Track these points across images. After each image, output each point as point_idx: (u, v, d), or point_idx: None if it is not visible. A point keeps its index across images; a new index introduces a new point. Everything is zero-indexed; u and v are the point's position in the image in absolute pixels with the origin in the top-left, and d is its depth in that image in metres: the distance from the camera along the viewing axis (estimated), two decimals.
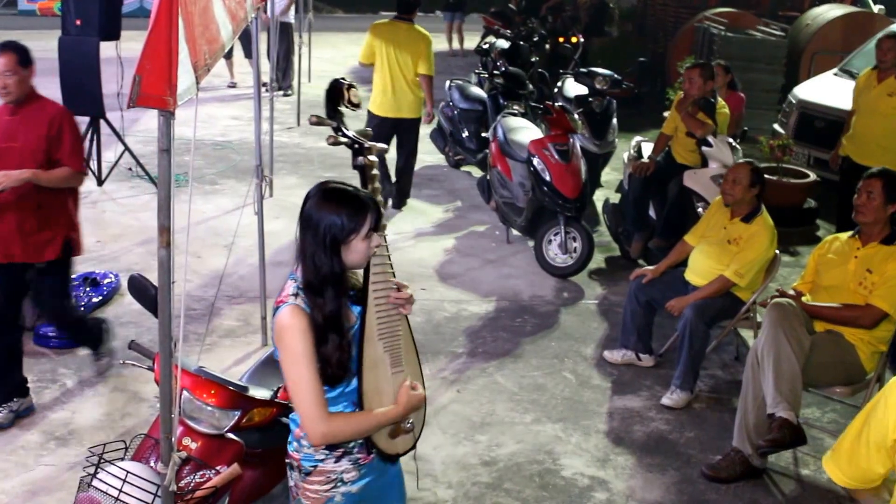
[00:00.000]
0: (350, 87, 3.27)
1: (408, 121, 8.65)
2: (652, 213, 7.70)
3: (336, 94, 3.24)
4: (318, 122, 3.30)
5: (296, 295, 2.82)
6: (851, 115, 7.80)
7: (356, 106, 3.27)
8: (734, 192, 5.75)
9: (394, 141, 8.62)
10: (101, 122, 8.93)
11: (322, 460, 2.93)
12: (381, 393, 2.95)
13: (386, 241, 3.03)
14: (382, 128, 8.31)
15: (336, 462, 2.94)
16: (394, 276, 3.06)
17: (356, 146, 3.12)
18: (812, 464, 5.17)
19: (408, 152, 8.92)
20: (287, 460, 3.02)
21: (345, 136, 3.20)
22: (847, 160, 7.86)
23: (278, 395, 3.69)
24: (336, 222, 2.78)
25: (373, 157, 3.13)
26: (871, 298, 4.91)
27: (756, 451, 4.92)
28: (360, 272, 3.00)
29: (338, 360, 2.82)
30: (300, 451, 2.95)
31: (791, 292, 5.18)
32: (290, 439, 3.01)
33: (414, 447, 3.13)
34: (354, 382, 2.90)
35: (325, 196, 2.83)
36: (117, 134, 9.02)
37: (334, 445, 2.92)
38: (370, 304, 2.94)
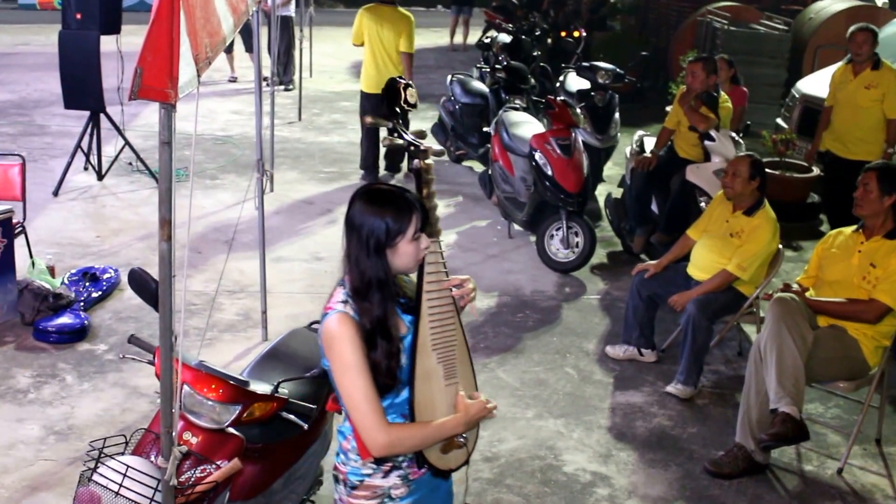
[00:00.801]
0: (407, 86, 3.19)
1: None
2: (654, 207, 7.68)
3: (393, 93, 3.17)
4: (374, 123, 3.24)
5: (345, 302, 2.74)
6: (829, 111, 7.81)
7: (413, 106, 3.20)
8: (734, 186, 5.73)
9: None
10: (102, 116, 8.92)
11: (369, 475, 2.82)
12: (434, 405, 2.84)
13: (441, 248, 2.94)
14: (370, 103, 9.12)
15: (384, 477, 2.83)
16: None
17: (412, 148, 3.04)
18: (815, 459, 5.15)
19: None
20: (333, 472, 2.93)
21: (401, 137, 3.12)
22: (829, 155, 7.89)
23: (279, 389, 3.67)
24: (380, 225, 2.71)
25: (429, 161, 3.05)
26: (874, 293, 4.89)
27: (759, 446, 4.90)
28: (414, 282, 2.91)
29: (387, 368, 2.72)
30: (346, 464, 2.86)
31: (795, 287, 5.16)
32: (336, 451, 2.92)
33: (467, 462, 3.02)
34: (404, 393, 2.80)
35: (369, 198, 2.76)
36: (117, 128, 9.01)
37: (382, 459, 2.80)
38: (423, 313, 2.84)
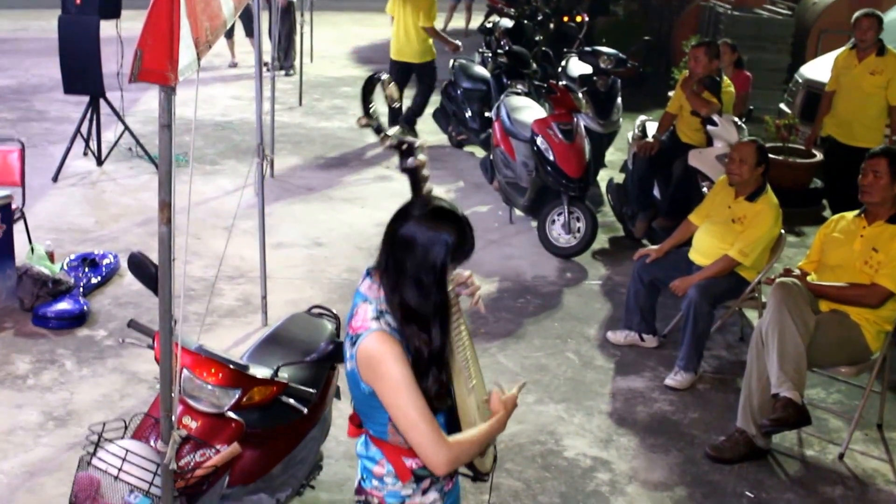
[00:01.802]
0: (387, 82, 3.14)
1: (416, 65, 10.17)
2: (657, 192, 7.65)
3: (370, 91, 3.13)
4: (369, 124, 3.15)
5: (377, 318, 2.56)
6: (830, 96, 7.76)
7: (394, 101, 3.15)
8: (741, 172, 5.69)
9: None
10: (101, 101, 8.88)
11: (409, 495, 2.71)
12: (468, 409, 2.77)
13: None
14: (394, 71, 9.89)
15: (423, 495, 2.72)
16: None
17: (405, 146, 2.98)
18: (817, 444, 5.14)
19: (419, 92, 10.39)
20: (361, 498, 2.78)
21: (388, 136, 3.06)
22: (830, 140, 7.86)
23: (279, 374, 3.66)
24: (447, 246, 2.54)
25: (423, 157, 2.99)
26: (876, 277, 4.87)
27: (760, 431, 4.89)
28: None
29: (437, 393, 2.59)
30: (382, 489, 2.72)
31: (796, 272, 5.15)
32: (362, 476, 2.78)
33: (495, 461, 2.99)
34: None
35: (435, 216, 2.57)
36: (117, 114, 8.97)
37: (422, 477, 2.70)
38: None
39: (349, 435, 2.82)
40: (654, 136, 7.85)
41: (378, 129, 3.02)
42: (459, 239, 2.58)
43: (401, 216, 2.60)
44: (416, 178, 2.89)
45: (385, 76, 3.13)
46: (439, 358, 2.59)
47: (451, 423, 2.69)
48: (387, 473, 2.71)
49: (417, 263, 2.53)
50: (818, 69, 9.53)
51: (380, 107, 3.02)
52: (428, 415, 2.54)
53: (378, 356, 2.52)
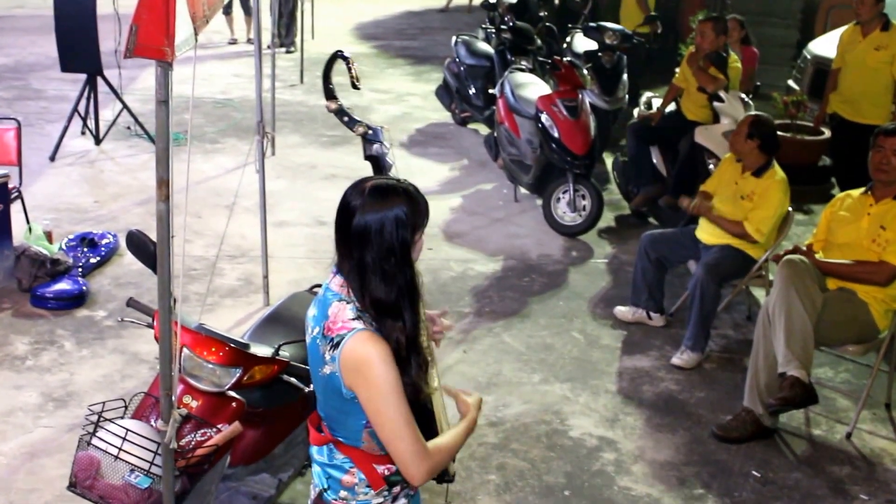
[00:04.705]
0: (352, 60, 3.06)
1: None
2: (661, 167, 7.59)
3: (330, 69, 3.06)
4: (338, 108, 3.09)
5: (358, 318, 2.42)
6: (836, 73, 7.67)
7: (358, 80, 3.08)
8: (734, 144, 5.75)
9: None
10: (99, 79, 8.80)
11: (381, 503, 2.59)
12: (437, 408, 2.68)
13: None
14: None
15: (394, 501, 2.61)
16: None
17: (370, 132, 2.92)
18: (824, 423, 5.09)
19: None
20: None
21: (353, 121, 3.00)
22: (836, 117, 7.77)
23: (280, 352, 3.61)
24: (402, 220, 2.41)
25: (388, 143, 2.93)
26: (884, 255, 4.82)
27: (767, 410, 4.85)
28: None
29: (415, 385, 2.47)
30: (353, 499, 2.58)
31: (804, 248, 5.09)
32: (328, 486, 2.62)
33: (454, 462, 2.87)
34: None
35: (377, 196, 2.43)
36: (115, 92, 8.89)
37: (394, 484, 2.58)
38: None
39: (313, 443, 2.66)
40: (658, 108, 7.81)
41: (343, 114, 2.96)
42: (411, 208, 2.45)
43: (344, 213, 2.46)
44: (379, 165, 2.83)
45: (349, 54, 3.06)
46: (415, 341, 2.48)
47: (424, 423, 2.55)
48: (358, 482, 2.57)
49: (378, 252, 2.41)
50: (827, 45, 9.41)
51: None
52: (413, 423, 2.42)
53: (367, 358, 2.37)
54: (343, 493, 2.59)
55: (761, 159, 5.65)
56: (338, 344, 2.40)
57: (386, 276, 2.42)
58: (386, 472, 2.56)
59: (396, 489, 2.60)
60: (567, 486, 4.48)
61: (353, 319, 2.41)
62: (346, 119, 3.10)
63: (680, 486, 4.53)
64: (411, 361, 2.46)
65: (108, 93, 8.95)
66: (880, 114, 7.25)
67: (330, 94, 3.27)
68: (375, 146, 2.83)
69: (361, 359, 2.38)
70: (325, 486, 2.62)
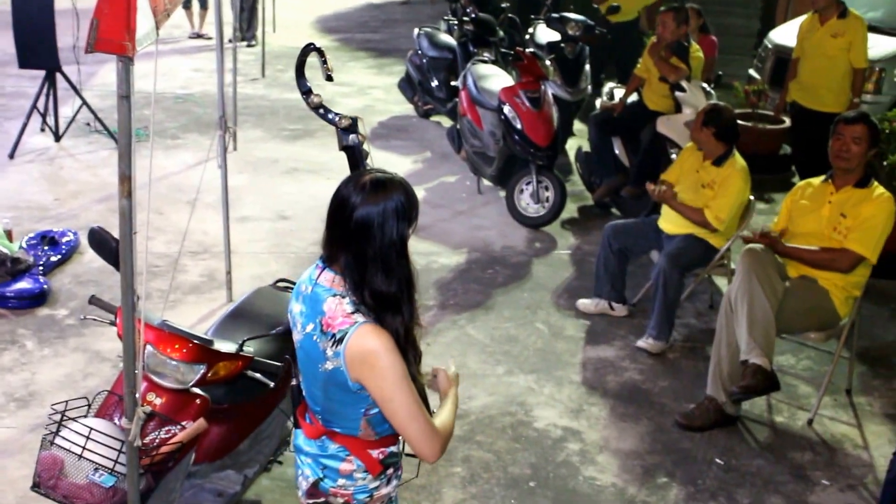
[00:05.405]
0: (323, 52, 3.06)
1: None
2: (619, 154, 7.63)
3: (304, 58, 3.05)
4: (319, 104, 3.06)
5: (357, 312, 2.46)
6: (796, 62, 7.74)
7: (330, 71, 3.06)
8: (693, 133, 5.83)
9: None
10: (58, 75, 8.69)
11: (377, 487, 2.67)
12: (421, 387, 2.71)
13: None
14: None
15: (387, 483, 2.70)
16: None
17: (345, 123, 2.90)
18: (786, 410, 5.15)
19: None
20: (319, 500, 2.69)
21: (335, 114, 2.99)
22: (796, 106, 7.84)
23: (244, 348, 3.60)
24: (402, 212, 2.46)
25: (364, 133, 2.92)
26: (846, 243, 4.86)
27: (730, 398, 4.89)
28: None
29: (415, 374, 2.55)
30: (351, 486, 2.65)
31: (774, 234, 5.08)
32: (324, 476, 2.67)
33: None
34: None
35: (378, 189, 2.47)
36: (74, 88, 8.78)
37: (388, 466, 2.68)
38: None
39: (307, 436, 2.69)
40: (620, 99, 7.84)
41: (320, 109, 2.96)
42: (408, 200, 2.50)
43: (342, 208, 2.48)
44: (355, 155, 2.84)
45: (321, 46, 3.06)
46: (410, 332, 2.55)
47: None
48: (356, 469, 2.64)
49: (379, 245, 2.45)
50: (787, 34, 9.50)
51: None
52: (422, 406, 2.50)
53: (375, 349, 2.42)
54: (341, 482, 2.66)
55: (720, 148, 5.70)
56: (341, 339, 2.44)
57: (387, 269, 2.46)
58: (381, 456, 2.66)
59: (389, 472, 2.69)
60: (532, 478, 4.50)
61: (353, 313, 2.46)
62: (325, 112, 3.08)
63: (644, 475, 4.57)
64: (408, 352, 2.52)
65: (68, 89, 8.83)
66: (839, 101, 7.32)
67: (305, 88, 3.26)
68: (351, 136, 2.84)
69: (369, 350, 2.42)
70: (321, 476, 2.67)
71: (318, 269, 2.58)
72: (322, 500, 2.68)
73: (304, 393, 2.71)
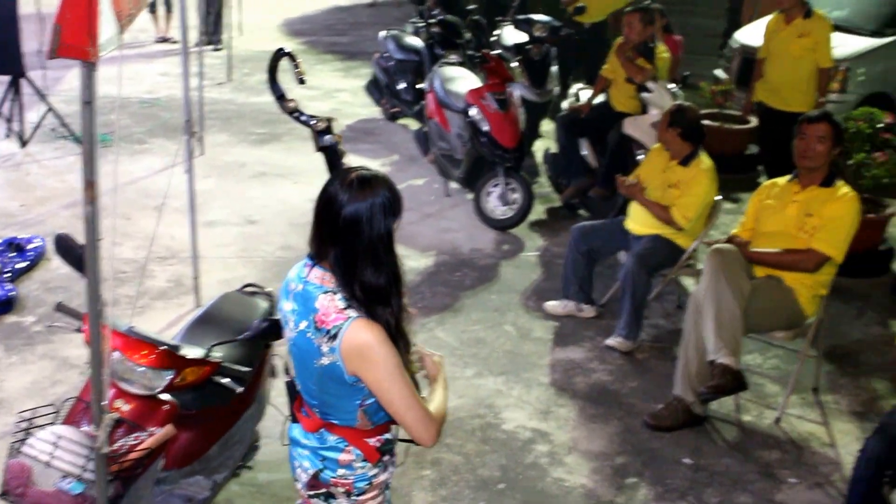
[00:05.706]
0: (295, 56, 3.07)
1: None
2: (590, 159, 7.66)
3: (275, 63, 3.06)
4: (295, 108, 3.08)
5: (349, 307, 2.53)
6: (762, 62, 7.81)
7: (303, 75, 3.08)
8: (659, 133, 5.88)
9: None
10: (23, 81, 8.60)
11: (376, 474, 2.75)
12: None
13: None
14: None
15: (384, 470, 2.79)
16: None
17: (321, 125, 2.92)
18: (753, 409, 5.20)
19: None
20: (320, 492, 2.75)
21: (310, 117, 3.00)
22: (763, 106, 7.89)
23: (211, 353, 3.59)
24: (389, 208, 2.55)
25: (339, 133, 2.94)
26: (812, 242, 4.89)
27: (698, 398, 4.91)
28: None
29: (406, 363, 2.62)
30: (351, 475, 2.72)
31: (739, 239, 5.14)
32: (324, 467, 2.73)
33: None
34: None
35: (364, 186, 2.53)
36: (40, 93, 8.70)
37: (384, 453, 2.76)
38: None
39: (308, 430, 2.76)
40: (587, 100, 7.88)
41: (295, 113, 2.97)
42: (392, 196, 2.58)
43: (330, 206, 2.55)
44: (333, 156, 2.87)
45: (291, 50, 3.07)
46: (399, 323, 2.62)
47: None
48: (355, 458, 2.71)
49: (368, 240, 2.53)
50: (753, 34, 9.58)
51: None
52: (416, 393, 2.59)
53: (369, 342, 2.50)
54: (341, 471, 2.73)
55: (686, 148, 5.74)
56: (336, 335, 2.51)
57: (376, 263, 2.54)
58: (377, 444, 2.74)
59: (386, 458, 2.76)
60: (501, 479, 4.51)
61: (346, 309, 2.53)
62: (300, 116, 3.10)
63: (613, 476, 4.59)
64: (399, 342, 2.58)
65: (33, 94, 8.75)
66: (805, 101, 7.36)
67: (279, 93, 3.27)
68: (327, 137, 2.86)
69: (364, 344, 2.50)
70: (321, 467, 2.73)
71: (307, 267, 2.65)
72: (323, 490, 2.75)
73: (299, 388, 2.77)
